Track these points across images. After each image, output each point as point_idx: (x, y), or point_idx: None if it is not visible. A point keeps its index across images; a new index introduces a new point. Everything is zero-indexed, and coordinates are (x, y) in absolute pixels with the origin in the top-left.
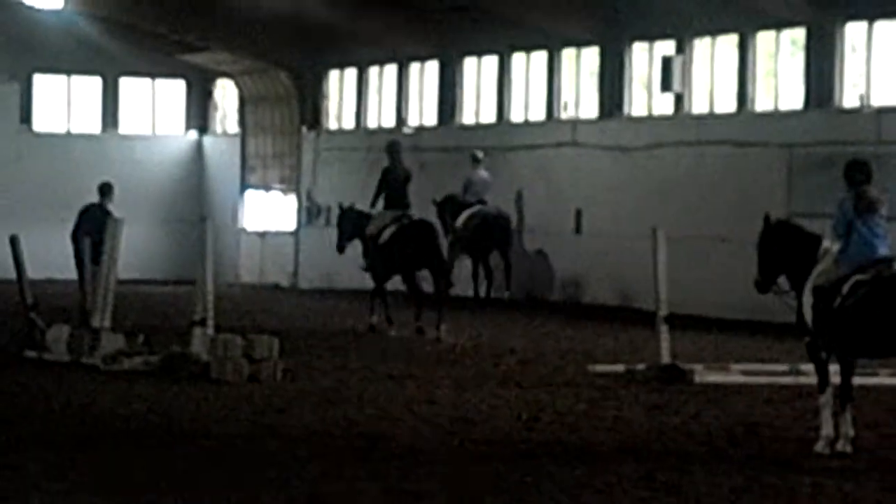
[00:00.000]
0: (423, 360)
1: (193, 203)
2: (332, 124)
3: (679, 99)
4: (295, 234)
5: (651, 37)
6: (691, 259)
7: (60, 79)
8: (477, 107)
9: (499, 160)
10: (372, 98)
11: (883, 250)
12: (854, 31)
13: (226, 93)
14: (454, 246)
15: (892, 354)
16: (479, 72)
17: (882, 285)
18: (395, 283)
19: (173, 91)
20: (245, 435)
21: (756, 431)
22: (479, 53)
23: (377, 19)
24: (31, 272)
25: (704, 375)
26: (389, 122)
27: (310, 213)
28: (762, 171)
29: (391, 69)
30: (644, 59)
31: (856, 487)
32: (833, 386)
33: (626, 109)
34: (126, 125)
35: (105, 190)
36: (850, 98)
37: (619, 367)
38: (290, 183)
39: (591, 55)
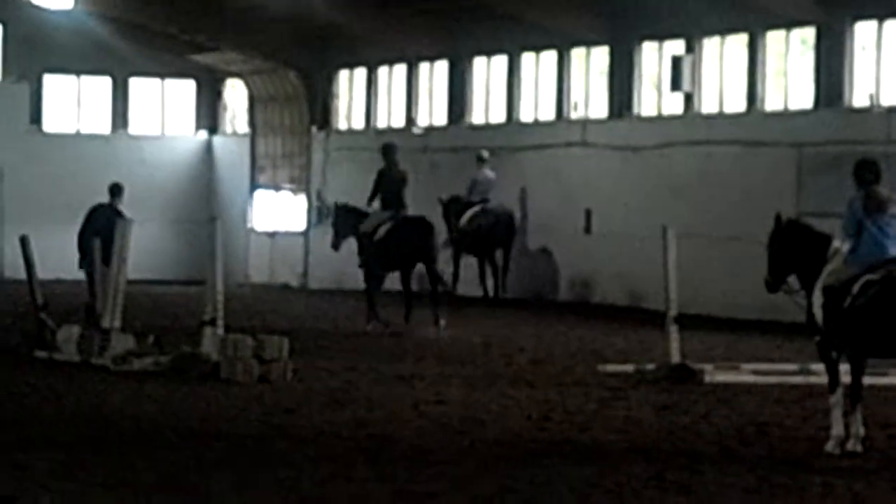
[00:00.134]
0: (433, 360)
1: (203, 203)
2: (342, 124)
3: (689, 98)
4: (305, 234)
5: (661, 36)
6: (701, 259)
7: (70, 79)
8: (486, 106)
9: (509, 160)
10: (381, 98)
11: (893, 250)
12: (864, 31)
13: (235, 93)
14: (458, 245)
15: None
16: (488, 71)
17: (892, 285)
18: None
19: (183, 91)
20: (255, 435)
21: (766, 431)
22: (489, 53)
23: (386, 19)
24: (42, 272)
25: (714, 375)
26: (399, 122)
27: (319, 213)
28: (772, 170)
29: (401, 69)
30: (654, 58)
31: (866, 487)
32: (843, 385)
33: (635, 109)
34: (136, 125)
35: (115, 190)
36: (859, 97)
37: (629, 367)
38: (300, 183)
39: (601, 55)
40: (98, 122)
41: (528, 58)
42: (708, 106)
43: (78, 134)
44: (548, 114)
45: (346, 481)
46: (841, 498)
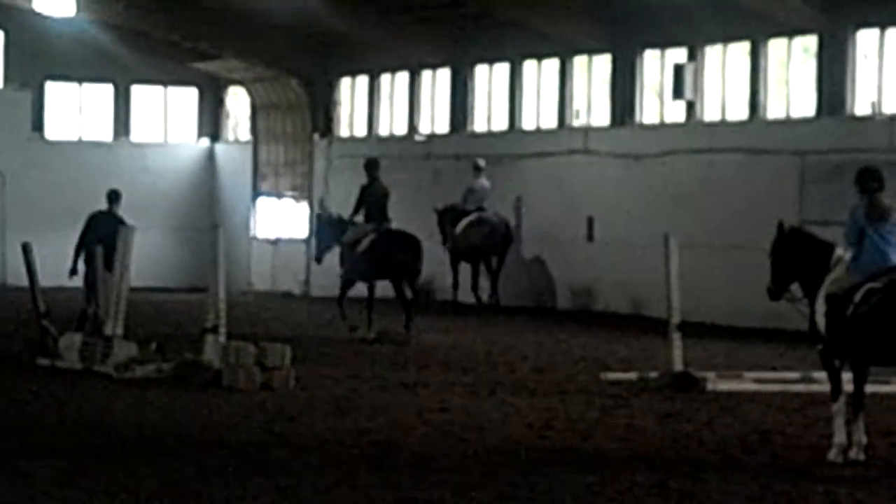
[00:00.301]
0: (436, 368)
1: (205, 211)
2: (344, 132)
3: (691, 106)
4: (307, 241)
5: (663, 44)
6: (703, 267)
7: (72, 86)
8: (489, 114)
9: (511, 168)
10: (384, 105)
11: (895, 258)
12: (866, 39)
13: (238, 100)
14: (455, 253)
15: None
16: (490, 79)
17: (895, 293)
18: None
19: (185, 99)
20: (257, 443)
21: (769, 439)
22: (491, 61)
23: (389, 27)
24: (44, 280)
25: (717, 383)
26: (401, 129)
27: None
28: (774, 178)
29: (403, 76)
30: (656, 66)
31: (868, 495)
32: (846, 394)
33: (637, 117)
34: (138, 133)
35: (114, 197)
36: (862, 105)
37: (632, 375)
38: (302, 190)
39: (603, 63)
40: (100, 129)
41: (530, 65)
42: (710, 114)
43: (80, 141)
44: (550, 121)
45: (349, 489)
46: None
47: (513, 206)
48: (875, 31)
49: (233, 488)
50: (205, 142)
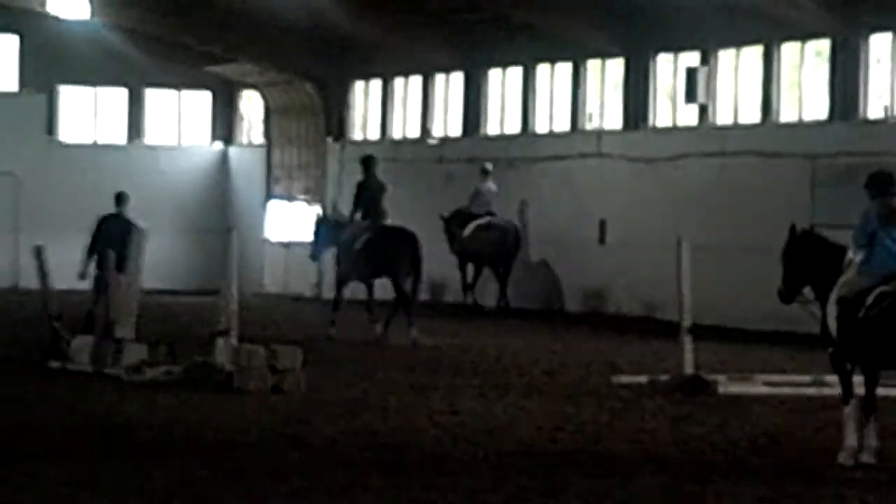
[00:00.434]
0: (446, 371)
1: (218, 213)
2: (357, 135)
3: (703, 110)
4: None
5: (676, 48)
6: (715, 270)
7: (86, 90)
8: (501, 118)
9: (523, 171)
10: (397, 109)
11: None
12: (879, 43)
13: (251, 104)
14: (463, 257)
15: None
16: (503, 83)
17: None
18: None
19: (199, 102)
20: (268, 445)
21: (780, 442)
22: (504, 64)
23: (402, 30)
24: (56, 282)
25: (728, 386)
26: (414, 132)
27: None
28: (786, 182)
29: (416, 80)
30: (668, 70)
31: (879, 499)
32: (857, 397)
33: (650, 120)
34: (151, 136)
35: (121, 199)
36: (874, 109)
37: (643, 378)
38: (315, 194)
39: (616, 66)
40: (114, 132)
41: (543, 69)
42: (723, 117)
43: (94, 144)
44: (563, 125)
45: (360, 491)
46: None
47: (517, 209)
48: (888, 35)
49: (244, 490)
50: (218, 145)
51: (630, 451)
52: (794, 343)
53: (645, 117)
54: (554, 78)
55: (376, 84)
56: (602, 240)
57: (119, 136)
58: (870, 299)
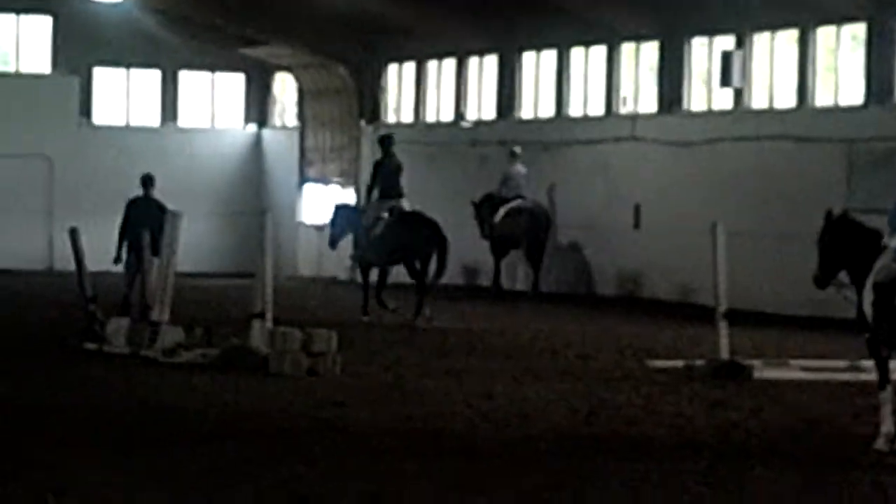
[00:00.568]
0: (481, 354)
1: (252, 196)
2: (391, 118)
3: (739, 94)
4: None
5: (711, 31)
6: (751, 254)
7: (120, 72)
8: (536, 101)
9: (557, 155)
10: (430, 92)
11: None
12: None
13: (285, 86)
14: (494, 241)
15: None
16: (537, 66)
17: None
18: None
19: (232, 84)
20: (303, 428)
21: (816, 428)
22: (538, 47)
23: (436, 13)
24: (91, 265)
25: (764, 371)
26: (448, 116)
27: None
28: (822, 166)
29: (450, 63)
30: (703, 53)
31: None
32: (893, 382)
33: (685, 104)
34: (185, 118)
35: (148, 181)
36: None
37: (678, 363)
38: (349, 176)
39: (651, 50)
40: (147, 115)
41: (577, 52)
42: (758, 101)
43: (127, 127)
44: (597, 108)
45: (395, 475)
46: (890, 495)
47: (546, 192)
48: None
49: (278, 474)
50: (252, 127)
51: (666, 436)
52: (830, 328)
53: (680, 101)
54: (588, 61)
55: (410, 67)
56: (637, 224)
57: (152, 118)
58: None
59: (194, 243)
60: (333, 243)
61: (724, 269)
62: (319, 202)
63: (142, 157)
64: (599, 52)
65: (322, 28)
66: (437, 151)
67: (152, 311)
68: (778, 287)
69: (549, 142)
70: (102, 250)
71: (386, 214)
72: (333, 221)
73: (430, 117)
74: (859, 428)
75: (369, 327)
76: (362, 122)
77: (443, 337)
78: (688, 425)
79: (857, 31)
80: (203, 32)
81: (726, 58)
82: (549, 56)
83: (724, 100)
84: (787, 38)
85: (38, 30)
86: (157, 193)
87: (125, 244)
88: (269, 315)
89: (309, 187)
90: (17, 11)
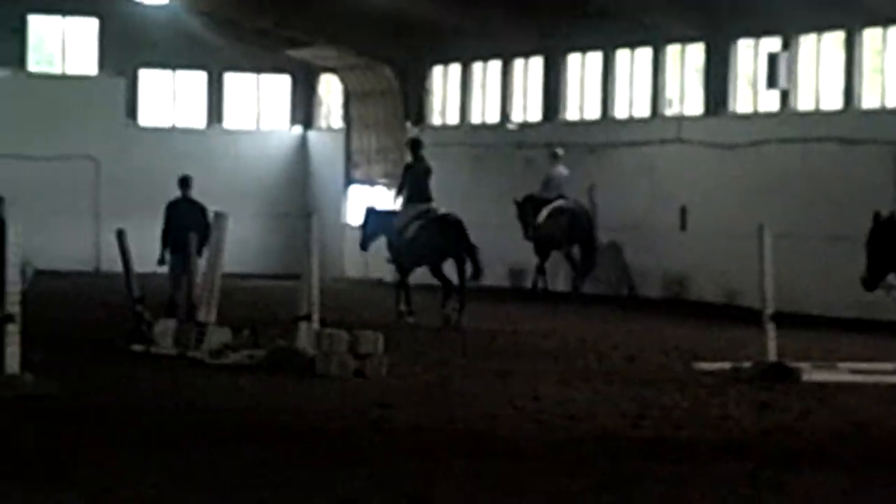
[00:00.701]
0: (527, 356)
1: (298, 198)
2: (436, 120)
3: (785, 96)
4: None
5: (756, 33)
6: (797, 257)
7: (166, 73)
8: (581, 103)
9: (603, 157)
10: (476, 94)
11: None
12: None
13: (330, 88)
14: (538, 242)
15: None
16: (583, 68)
17: None
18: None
19: (278, 86)
20: (350, 430)
21: (864, 431)
22: (584, 49)
23: (481, 14)
24: (138, 266)
25: (811, 374)
26: (493, 118)
27: None
28: (868, 168)
29: (495, 65)
30: (749, 55)
31: None
32: None
33: (731, 106)
34: (231, 120)
35: (186, 183)
36: None
37: (725, 365)
38: (394, 178)
39: (697, 52)
40: (193, 116)
41: (622, 54)
42: (804, 103)
43: (173, 128)
44: (643, 110)
45: (441, 476)
46: None
47: (587, 193)
48: None
49: (325, 475)
50: (297, 129)
51: (712, 439)
52: (879, 330)
53: (725, 103)
54: (634, 63)
55: (455, 68)
56: (683, 226)
57: (198, 119)
58: None
59: (240, 245)
60: (364, 245)
61: (771, 272)
62: (365, 203)
63: (188, 159)
64: (645, 53)
65: (368, 30)
66: (482, 153)
67: (199, 312)
68: (825, 289)
69: (595, 144)
70: (149, 252)
71: (416, 217)
72: (364, 223)
73: (476, 119)
74: None
75: (415, 329)
76: (408, 124)
77: (489, 339)
78: (735, 428)
79: None
80: (248, 34)
81: (772, 60)
82: (595, 58)
83: (769, 102)
84: (833, 40)
85: (84, 31)
86: (204, 195)
87: (168, 246)
88: (315, 316)
89: (354, 189)
90: (64, 13)
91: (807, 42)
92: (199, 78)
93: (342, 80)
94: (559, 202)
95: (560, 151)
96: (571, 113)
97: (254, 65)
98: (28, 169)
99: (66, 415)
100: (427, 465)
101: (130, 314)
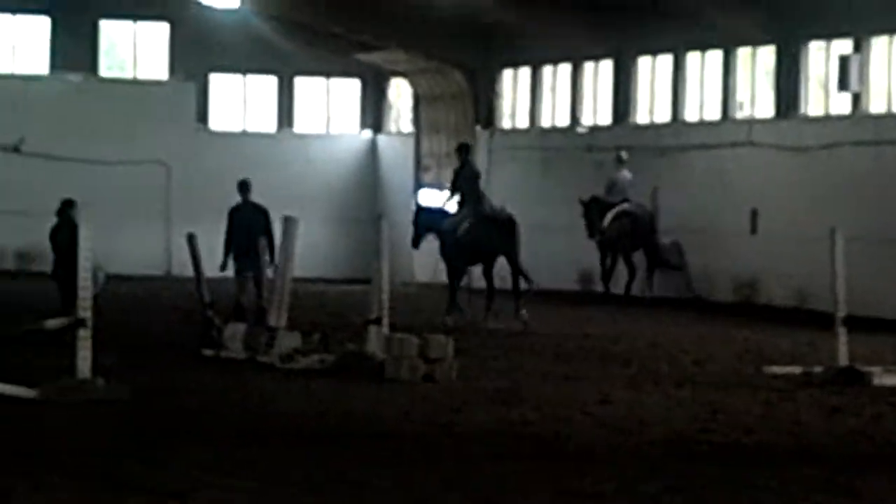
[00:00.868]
0: (596, 360)
1: (368, 202)
2: (506, 123)
3: (856, 98)
4: None
5: (828, 35)
6: (869, 260)
7: (236, 78)
8: (651, 106)
9: (673, 160)
10: (546, 97)
11: None
12: None
13: (400, 92)
14: (602, 245)
15: None
16: (653, 70)
17: None
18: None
19: (348, 90)
20: (420, 434)
21: None
22: (654, 52)
23: (551, 18)
24: (208, 270)
25: (883, 378)
26: (563, 121)
27: None
28: None
29: (565, 68)
30: (820, 57)
31: None
32: None
33: (802, 109)
34: (301, 124)
35: (245, 187)
36: None
37: (796, 369)
38: None
39: (767, 54)
40: (264, 120)
41: (693, 57)
42: (876, 106)
43: (244, 132)
44: (713, 113)
45: (512, 480)
46: None
47: (650, 196)
48: None
49: (396, 479)
50: (367, 133)
51: (784, 443)
52: None
53: (796, 106)
54: (704, 66)
55: (525, 72)
56: (754, 229)
57: (269, 124)
58: None
59: (310, 249)
60: (416, 243)
61: (843, 275)
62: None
63: (258, 163)
64: (715, 56)
65: (437, 33)
66: (552, 157)
67: (269, 317)
68: None
69: (665, 147)
70: (219, 256)
71: (468, 216)
72: (415, 222)
73: (546, 122)
74: None
75: (485, 333)
76: (478, 128)
77: (558, 342)
78: (806, 432)
79: None
80: (319, 38)
81: (844, 62)
82: (665, 61)
83: (841, 104)
84: None
85: (155, 36)
86: (274, 199)
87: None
88: (385, 321)
89: (424, 193)
90: (135, 18)
91: (878, 44)
92: (270, 82)
93: (412, 83)
94: (623, 206)
95: (625, 155)
96: (641, 116)
97: (324, 69)
98: (100, 174)
99: (137, 419)
100: (498, 469)
101: (201, 318)
